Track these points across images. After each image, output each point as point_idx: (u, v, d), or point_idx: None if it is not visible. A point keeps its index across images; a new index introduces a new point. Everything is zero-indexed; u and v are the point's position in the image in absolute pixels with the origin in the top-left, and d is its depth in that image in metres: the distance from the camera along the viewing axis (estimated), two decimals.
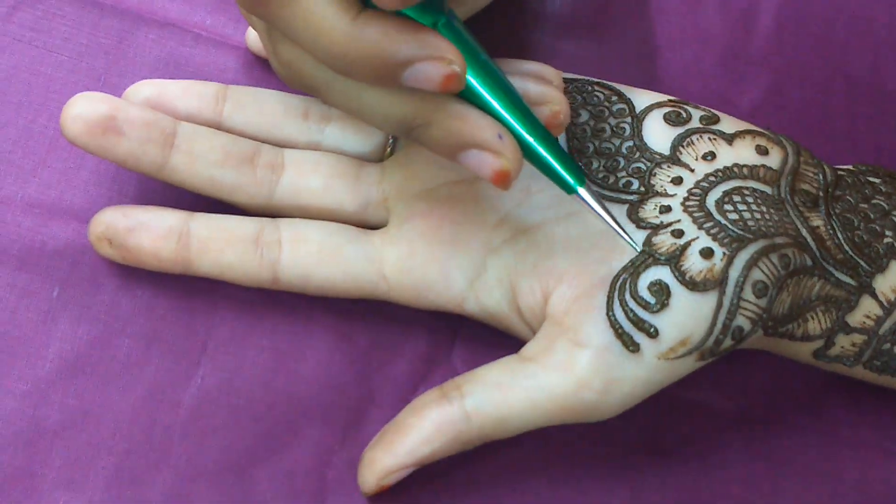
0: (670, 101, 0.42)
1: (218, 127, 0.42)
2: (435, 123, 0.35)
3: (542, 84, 0.38)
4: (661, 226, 0.39)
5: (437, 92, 0.34)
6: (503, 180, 0.35)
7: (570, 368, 0.38)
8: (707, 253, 0.38)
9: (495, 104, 0.36)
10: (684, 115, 0.41)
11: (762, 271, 0.38)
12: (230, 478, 0.42)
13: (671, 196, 0.40)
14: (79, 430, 0.41)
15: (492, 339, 0.43)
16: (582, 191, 0.37)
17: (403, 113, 0.35)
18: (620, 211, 0.40)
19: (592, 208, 0.37)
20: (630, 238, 0.38)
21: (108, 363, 0.42)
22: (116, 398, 0.42)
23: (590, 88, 0.42)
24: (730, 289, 0.38)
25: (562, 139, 0.41)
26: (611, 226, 0.37)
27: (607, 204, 0.40)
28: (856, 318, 0.40)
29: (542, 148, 0.37)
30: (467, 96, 0.36)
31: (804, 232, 0.40)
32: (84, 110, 0.40)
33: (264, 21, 0.35)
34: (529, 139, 0.36)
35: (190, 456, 0.42)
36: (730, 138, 0.41)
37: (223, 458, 0.42)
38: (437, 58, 0.33)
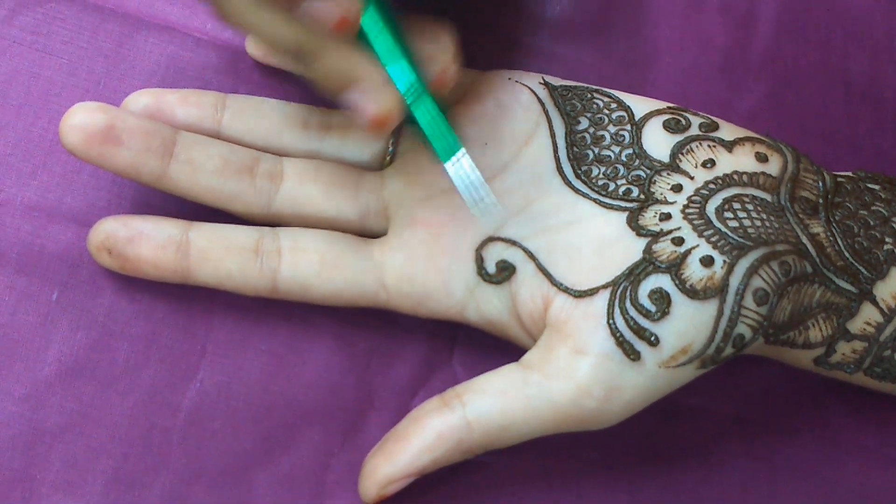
0: (669, 108, 0.42)
1: (217, 136, 0.42)
2: (325, 57, 0.36)
3: (434, 44, 0.39)
4: (662, 233, 0.39)
5: (330, 31, 0.35)
6: (380, 125, 0.37)
7: (570, 376, 0.38)
8: (707, 261, 0.38)
9: (388, 54, 0.37)
10: (683, 122, 0.41)
11: (763, 279, 0.38)
12: (229, 481, 0.42)
13: (671, 204, 0.40)
14: (77, 433, 0.41)
15: (491, 344, 0.43)
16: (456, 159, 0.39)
17: (295, 39, 0.36)
18: (620, 218, 0.40)
19: (454, 182, 0.39)
20: (493, 202, 0.40)
21: (106, 366, 0.42)
22: (115, 401, 0.42)
23: (589, 96, 0.42)
24: (730, 297, 0.38)
25: (562, 146, 0.41)
26: (465, 199, 0.39)
27: (605, 210, 0.40)
28: (856, 325, 0.40)
29: (425, 107, 0.38)
30: (363, 37, 0.36)
31: (804, 239, 0.40)
32: (83, 120, 0.40)
33: None
34: (413, 96, 0.37)
35: (188, 459, 0.42)
36: (729, 145, 0.41)
37: (222, 462, 0.42)
38: None
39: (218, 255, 0.41)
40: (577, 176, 0.41)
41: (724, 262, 0.38)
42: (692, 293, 0.38)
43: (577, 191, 0.41)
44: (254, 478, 0.42)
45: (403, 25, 0.39)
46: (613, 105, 0.42)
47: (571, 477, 0.43)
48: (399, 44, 0.37)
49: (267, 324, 0.43)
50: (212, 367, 0.43)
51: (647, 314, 0.38)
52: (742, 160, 0.40)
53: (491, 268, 0.41)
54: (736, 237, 0.38)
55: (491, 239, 0.41)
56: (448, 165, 0.39)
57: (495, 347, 0.43)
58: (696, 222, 0.39)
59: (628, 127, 0.41)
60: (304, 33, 0.36)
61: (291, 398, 0.43)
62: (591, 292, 0.39)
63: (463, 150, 0.39)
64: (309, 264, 0.41)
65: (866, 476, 0.45)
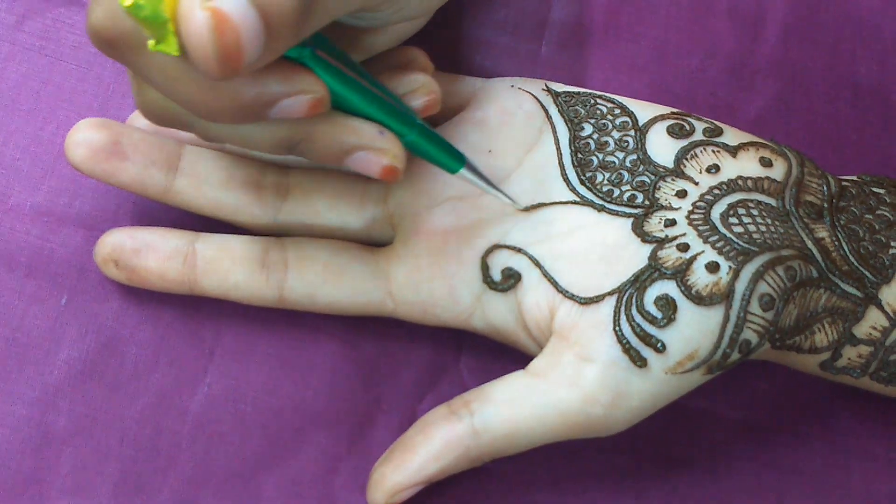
0: (673, 113, 0.42)
1: (222, 149, 0.42)
2: (315, 138, 0.36)
3: (410, 73, 0.39)
4: (667, 239, 0.39)
5: (307, 117, 0.34)
6: (392, 174, 0.37)
7: (577, 384, 0.38)
8: (713, 267, 0.38)
9: (370, 108, 0.36)
10: (687, 127, 0.41)
11: (768, 284, 0.38)
12: (237, 485, 0.42)
13: (676, 209, 0.40)
14: (86, 436, 0.42)
15: (498, 348, 0.43)
16: (463, 171, 0.39)
17: (282, 136, 0.35)
18: (625, 224, 0.40)
19: (477, 183, 0.39)
20: (511, 198, 0.40)
21: (115, 370, 0.42)
22: (124, 405, 0.42)
23: (592, 101, 0.42)
24: (736, 302, 0.38)
25: (566, 152, 0.41)
26: (494, 194, 0.40)
27: (610, 217, 0.40)
28: (862, 330, 0.40)
29: (421, 138, 0.38)
30: (343, 106, 0.36)
31: (809, 244, 0.40)
32: (87, 136, 0.40)
33: (122, 64, 0.34)
34: (406, 132, 0.37)
35: (197, 463, 0.42)
36: (733, 150, 0.41)
37: (230, 465, 0.42)
38: (298, 92, 0.33)
39: (224, 265, 0.41)
40: (582, 182, 0.41)
41: (730, 267, 0.38)
42: (698, 299, 0.38)
43: (581, 197, 0.41)
44: (261, 481, 0.42)
45: (375, 68, 0.39)
46: (617, 111, 0.42)
47: (579, 481, 0.43)
48: (378, 93, 0.37)
49: (274, 328, 0.44)
50: (220, 371, 0.43)
51: (653, 321, 0.38)
52: (746, 165, 0.40)
53: (496, 275, 0.41)
54: (741, 243, 0.38)
55: (496, 246, 0.41)
56: (463, 173, 0.39)
57: (502, 351, 0.43)
58: (701, 228, 0.39)
59: (632, 132, 0.41)
60: (288, 125, 0.35)
61: (299, 402, 0.43)
62: (597, 299, 0.39)
63: (466, 160, 0.39)
64: (315, 274, 0.41)
65: (873, 481, 0.45)
